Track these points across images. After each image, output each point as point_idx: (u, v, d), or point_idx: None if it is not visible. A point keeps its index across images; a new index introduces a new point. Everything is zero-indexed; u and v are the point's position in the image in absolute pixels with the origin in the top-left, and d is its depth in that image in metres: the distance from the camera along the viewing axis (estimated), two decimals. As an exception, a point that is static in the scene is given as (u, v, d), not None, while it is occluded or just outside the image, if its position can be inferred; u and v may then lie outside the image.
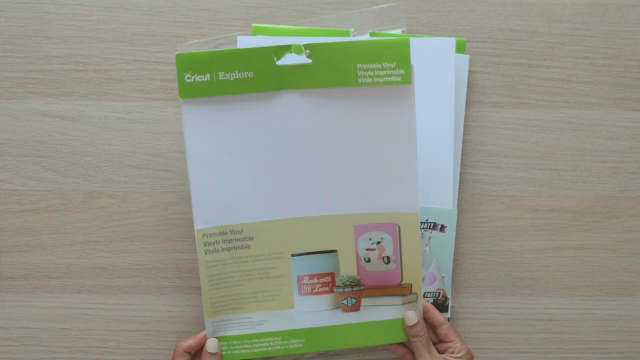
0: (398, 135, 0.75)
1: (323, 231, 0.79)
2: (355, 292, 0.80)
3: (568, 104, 0.85)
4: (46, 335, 0.83)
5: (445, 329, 0.79)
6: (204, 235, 0.78)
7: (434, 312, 0.79)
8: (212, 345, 0.77)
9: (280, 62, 0.74)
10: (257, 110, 0.75)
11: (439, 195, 0.79)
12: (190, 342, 0.77)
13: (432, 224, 0.78)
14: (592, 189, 0.85)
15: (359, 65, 0.74)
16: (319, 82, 0.75)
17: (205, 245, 0.78)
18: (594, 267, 0.86)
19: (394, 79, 0.74)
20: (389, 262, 0.80)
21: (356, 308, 0.80)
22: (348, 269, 0.80)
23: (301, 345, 0.79)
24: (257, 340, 0.78)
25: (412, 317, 0.78)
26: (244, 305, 0.79)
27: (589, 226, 0.85)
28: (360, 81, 0.74)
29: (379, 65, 0.74)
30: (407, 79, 0.74)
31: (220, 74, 0.74)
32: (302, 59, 0.74)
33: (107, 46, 0.83)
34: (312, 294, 0.80)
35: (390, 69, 0.74)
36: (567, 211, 0.85)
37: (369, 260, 0.80)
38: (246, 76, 0.74)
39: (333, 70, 0.74)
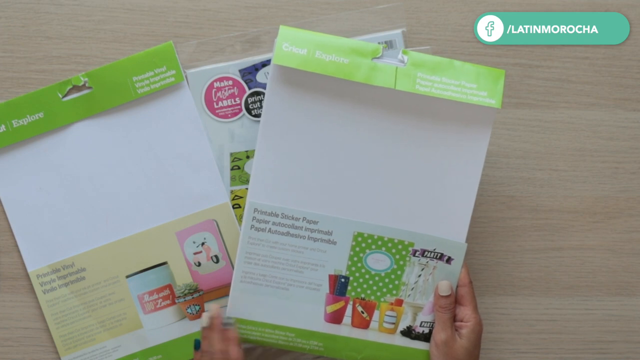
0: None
1: (150, 246, 0.82)
2: (195, 298, 0.83)
3: (568, 104, 0.85)
4: (46, 335, 0.83)
5: (463, 291, 0.77)
6: (38, 276, 0.81)
7: (462, 270, 0.77)
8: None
9: (65, 98, 0.80)
10: (50, 145, 0.80)
11: (453, 226, 0.77)
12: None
13: (439, 254, 0.76)
14: (592, 189, 0.85)
15: (134, 78, 0.80)
16: (103, 105, 0.80)
17: (42, 285, 0.81)
18: (594, 267, 0.86)
19: (167, 81, 0.80)
20: (217, 260, 0.82)
21: (201, 314, 0.82)
22: (183, 278, 0.82)
23: None
24: None
25: (445, 287, 0.76)
26: (95, 336, 0.82)
27: (589, 226, 0.85)
28: (139, 92, 0.80)
29: (152, 73, 0.80)
30: (179, 77, 0.81)
31: (13, 121, 0.79)
32: (84, 90, 0.80)
33: (107, 46, 0.83)
34: (156, 309, 0.83)
35: (162, 72, 0.80)
36: (567, 211, 0.85)
37: (199, 264, 0.82)
38: (37, 118, 0.80)
39: (113, 90, 0.80)
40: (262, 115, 0.75)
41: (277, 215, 0.75)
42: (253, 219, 0.75)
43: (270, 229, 0.76)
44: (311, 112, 0.75)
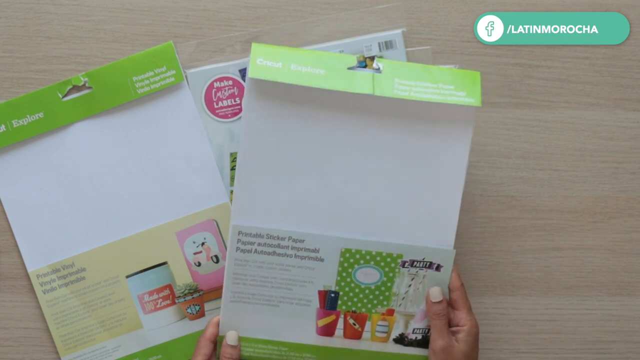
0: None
1: (150, 246, 0.81)
2: (195, 298, 0.82)
3: (568, 104, 0.85)
4: (46, 335, 0.83)
5: (455, 295, 0.76)
6: (38, 276, 0.81)
7: (452, 275, 0.76)
8: (232, 338, 0.76)
9: (65, 98, 0.79)
10: (50, 145, 0.80)
11: (440, 233, 0.76)
12: (212, 330, 0.76)
13: (428, 263, 0.76)
14: (592, 189, 0.85)
15: (134, 78, 0.80)
16: (103, 105, 0.80)
17: (42, 285, 0.81)
18: (594, 267, 0.86)
19: (167, 81, 0.80)
20: (217, 260, 0.82)
21: (201, 314, 0.83)
22: (183, 278, 0.82)
23: None
24: None
25: (437, 293, 0.76)
26: (95, 336, 0.81)
27: (589, 226, 0.85)
28: (139, 92, 0.80)
29: (152, 73, 0.80)
30: (179, 77, 0.81)
31: (13, 121, 0.79)
32: (84, 90, 0.80)
33: (107, 46, 0.83)
34: (156, 309, 0.82)
35: (162, 72, 0.80)
36: (567, 211, 0.85)
37: (199, 264, 0.82)
38: (37, 117, 0.79)
39: (113, 90, 0.80)
40: (241, 135, 0.73)
41: (262, 236, 0.75)
42: (238, 242, 0.75)
43: (256, 249, 0.75)
44: (290, 127, 0.74)
